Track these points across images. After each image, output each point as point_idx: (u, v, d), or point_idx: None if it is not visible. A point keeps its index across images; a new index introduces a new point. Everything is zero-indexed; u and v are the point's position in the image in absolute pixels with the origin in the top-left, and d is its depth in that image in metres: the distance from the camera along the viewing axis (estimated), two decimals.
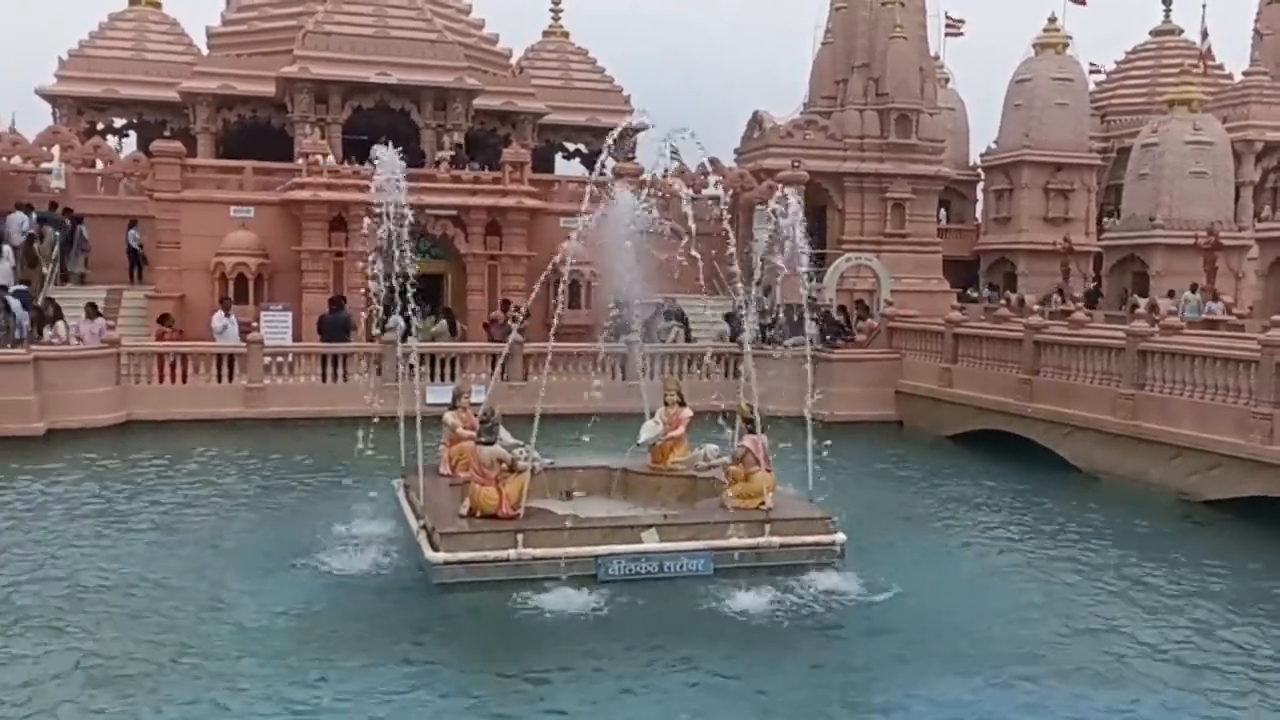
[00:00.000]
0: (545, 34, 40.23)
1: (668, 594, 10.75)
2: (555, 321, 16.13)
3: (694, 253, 20.01)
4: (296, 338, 22.85)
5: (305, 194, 24.27)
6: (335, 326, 22.05)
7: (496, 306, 24.76)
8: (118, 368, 19.44)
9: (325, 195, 24.29)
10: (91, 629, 9.56)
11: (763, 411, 12.75)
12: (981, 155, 43.13)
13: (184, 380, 20.08)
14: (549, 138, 37.57)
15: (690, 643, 9.57)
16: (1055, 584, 11.79)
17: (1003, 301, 32.34)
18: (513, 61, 36.47)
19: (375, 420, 13.29)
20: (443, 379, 20.52)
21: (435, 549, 10.97)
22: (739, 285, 16.51)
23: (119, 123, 35.14)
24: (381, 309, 19.39)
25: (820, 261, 29.33)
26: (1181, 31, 45.64)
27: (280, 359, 20.86)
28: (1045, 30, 40.60)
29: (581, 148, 39.33)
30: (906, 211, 33.29)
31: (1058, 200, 40.12)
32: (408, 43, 29.56)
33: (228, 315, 22.00)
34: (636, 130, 32.38)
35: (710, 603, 10.55)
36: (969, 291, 38.09)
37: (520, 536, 10.95)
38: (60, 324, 19.75)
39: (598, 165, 23.35)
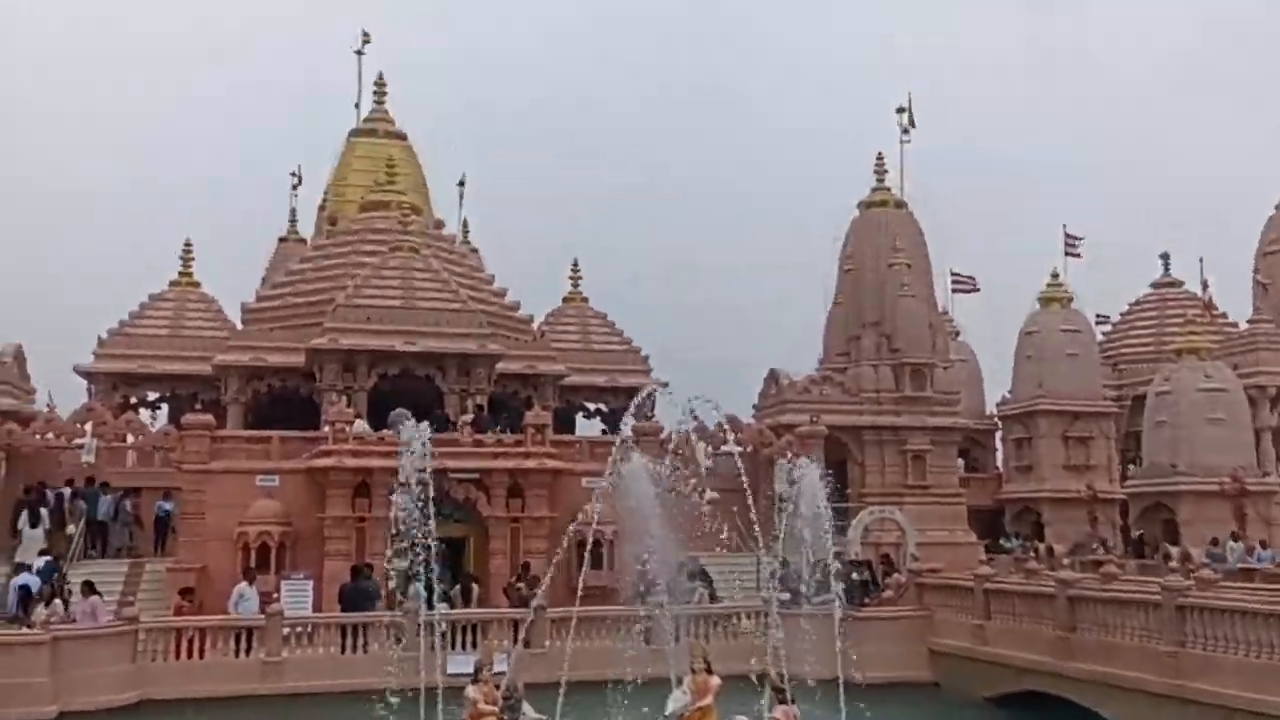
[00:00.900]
0: (565, 299, 41.82)
1: None
2: (579, 584, 15.94)
3: (715, 510, 20.07)
4: (317, 607, 22.57)
5: (330, 461, 24.61)
6: (357, 595, 21.78)
7: (518, 570, 24.54)
8: (134, 645, 19.11)
9: (350, 462, 24.61)
10: None
11: (793, 674, 12.38)
12: (998, 405, 43.57)
13: (201, 655, 19.68)
14: (570, 398, 38.32)
15: None
16: None
17: (1032, 553, 31.82)
18: (534, 326, 37.80)
19: (394, 694, 12.90)
20: (464, 646, 20.06)
21: None
22: (761, 541, 16.45)
23: (152, 396, 36.17)
24: (402, 577, 19.35)
25: (843, 516, 29.18)
26: (1182, 284, 47.07)
27: (300, 629, 20.51)
28: (1049, 285, 41.91)
29: (602, 407, 40.04)
30: (926, 463, 33.41)
31: (1078, 448, 40.14)
32: (433, 312, 30.78)
33: (251, 585, 21.86)
34: (655, 390, 33.11)
35: None
36: (1001, 542, 37.50)
37: None
38: (56, 602, 19.54)
39: (620, 427, 23.81)
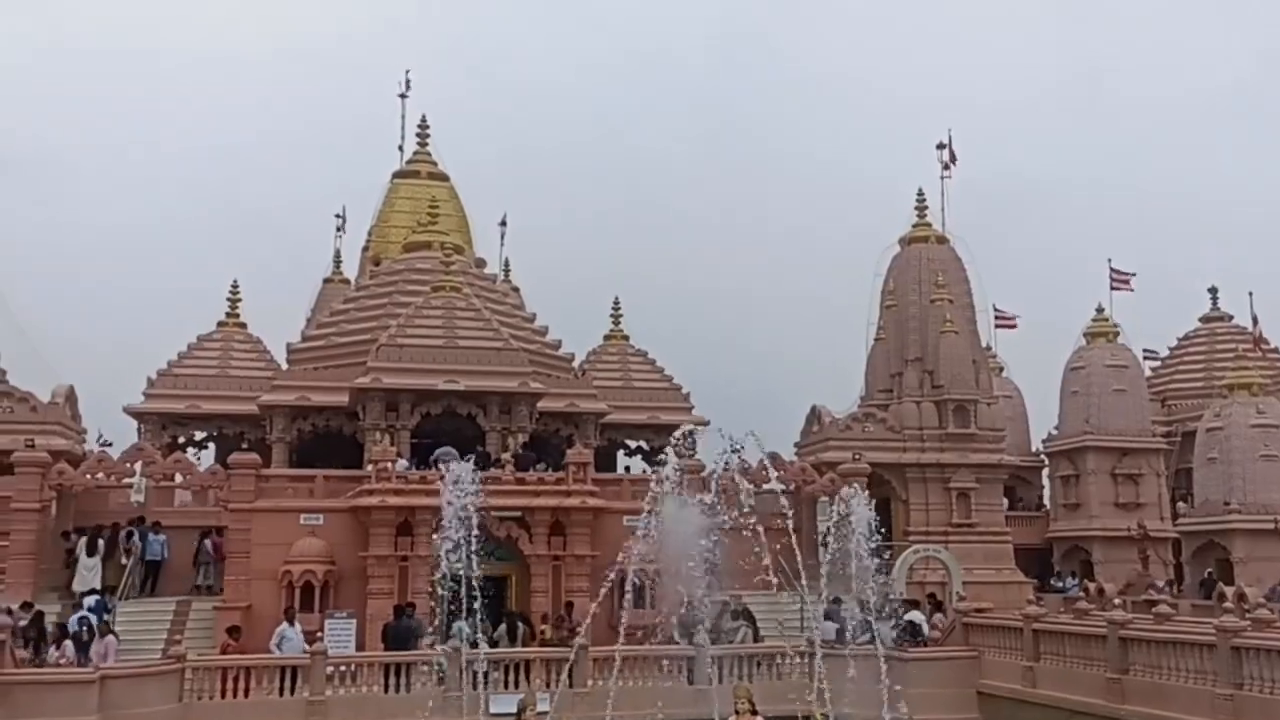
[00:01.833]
0: (606, 337, 41.95)
1: None
2: (621, 623, 15.87)
3: (758, 548, 19.96)
4: (360, 645, 22.62)
5: (373, 500, 24.75)
6: (401, 634, 21.82)
7: (560, 607, 24.49)
8: (181, 684, 19.24)
9: (393, 500, 24.74)
10: None
11: (838, 715, 12.25)
12: (1044, 441, 43.03)
13: (246, 694, 19.76)
14: (611, 436, 38.33)
15: None
16: None
17: (1082, 592, 31.24)
18: (575, 364, 37.93)
19: None
20: (507, 686, 19.99)
21: None
22: (805, 580, 16.30)
23: (199, 435, 36.64)
24: (445, 615, 19.39)
25: (887, 554, 28.87)
26: (1232, 317, 46.37)
27: (343, 668, 20.55)
28: (1095, 319, 41.48)
29: (643, 444, 40.00)
30: (972, 501, 33.04)
31: (1127, 485, 39.48)
32: (475, 351, 30.97)
33: (292, 625, 21.97)
34: (698, 427, 33.07)
35: None
36: (1053, 581, 36.84)
37: None
38: (67, 643, 19.69)
39: (665, 466, 23.76)
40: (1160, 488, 40.07)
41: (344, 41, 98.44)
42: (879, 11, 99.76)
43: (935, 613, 25.22)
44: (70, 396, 29.06)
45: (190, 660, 19.69)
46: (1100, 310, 41.72)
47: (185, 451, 33.56)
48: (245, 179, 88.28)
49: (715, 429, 25.51)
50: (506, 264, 44.29)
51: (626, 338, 41.90)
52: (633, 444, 40.32)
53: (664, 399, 39.41)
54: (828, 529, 24.75)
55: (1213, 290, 47.32)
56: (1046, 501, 43.49)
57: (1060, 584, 36.71)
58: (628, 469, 38.44)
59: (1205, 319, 47.22)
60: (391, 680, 20.54)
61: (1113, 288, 42.67)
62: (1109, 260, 43.12)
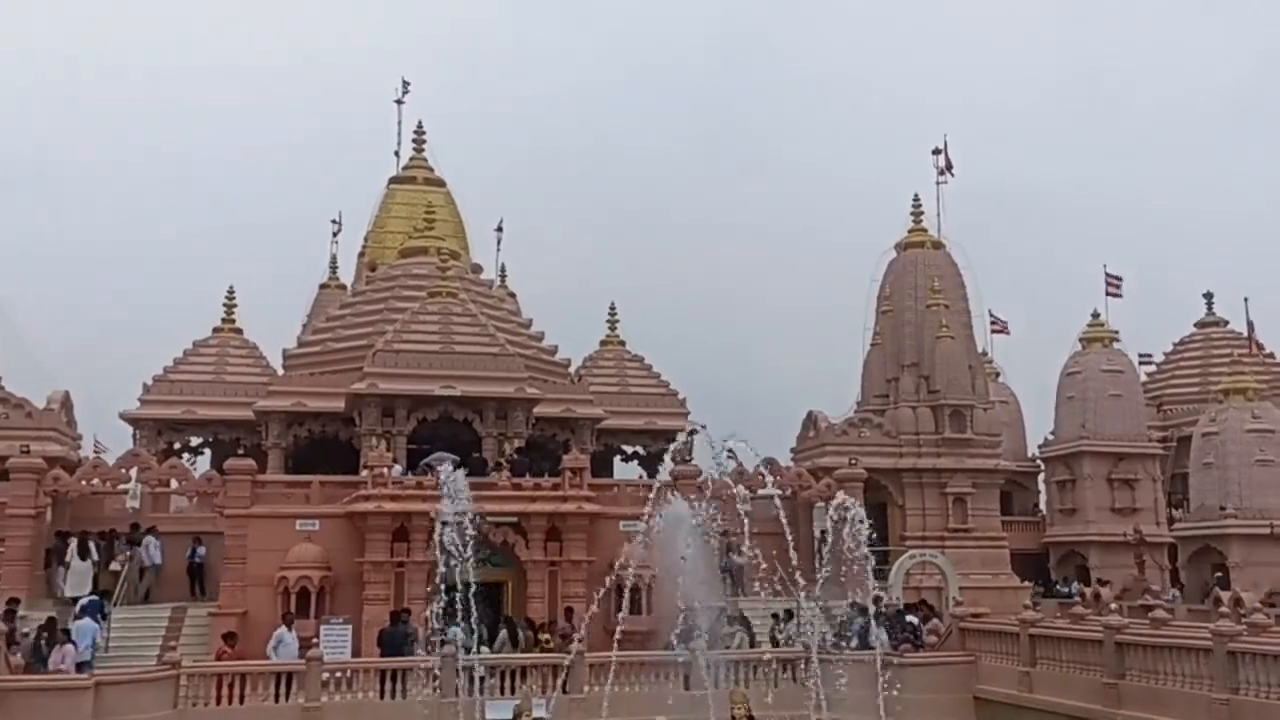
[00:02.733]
0: (603, 343, 41.98)
1: None
2: (618, 628, 15.86)
3: (754, 553, 19.93)
4: (356, 651, 22.58)
5: (369, 505, 24.70)
6: (396, 640, 21.78)
7: (558, 613, 24.47)
8: (176, 691, 19.17)
9: (389, 506, 24.69)
10: None
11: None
12: (1040, 447, 43.08)
13: (241, 701, 19.69)
14: (607, 441, 38.33)
15: None
16: None
17: (1079, 598, 31.25)
18: (571, 370, 37.94)
19: None
20: (503, 691, 19.95)
21: None
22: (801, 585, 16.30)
23: (195, 441, 36.61)
24: (440, 622, 19.34)
25: (883, 559, 28.87)
26: (1227, 323, 46.52)
27: (339, 674, 20.49)
28: (1090, 325, 41.54)
29: (640, 450, 40.01)
30: (968, 506, 33.09)
31: (1123, 490, 39.54)
32: (471, 357, 30.98)
33: (290, 630, 21.93)
34: (691, 434, 33.06)
35: None
36: (1059, 587, 36.76)
37: None
38: (69, 647, 19.62)
39: (658, 470, 23.80)
40: (1156, 493, 40.15)
41: (341, 48, 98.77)
42: (879, 12, 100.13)
43: (931, 618, 25.19)
44: (66, 403, 29.04)
45: (185, 667, 19.63)
46: (1096, 315, 41.81)
47: (181, 457, 33.49)
48: (241, 185, 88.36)
49: (710, 435, 25.47)
50: (503, 269, 44.39)
51: (623, 343, 41.94)
52: (629, 449, 40.33)
53: (660, 404, 39.44)
54: (823, 534, 24.79)
55: (1208, 295, 47.46)
56: (1043, 507, 43.54)
57: (1066, 589, 36.59)
58: (626, 476, 38.41)
59: (1201, 324, 47.33)
60: (387, 686, 20.46)
61: (1108, 293, 42.81)
62: (1104, 265, 43.30)
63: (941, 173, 37.42)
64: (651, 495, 20.90)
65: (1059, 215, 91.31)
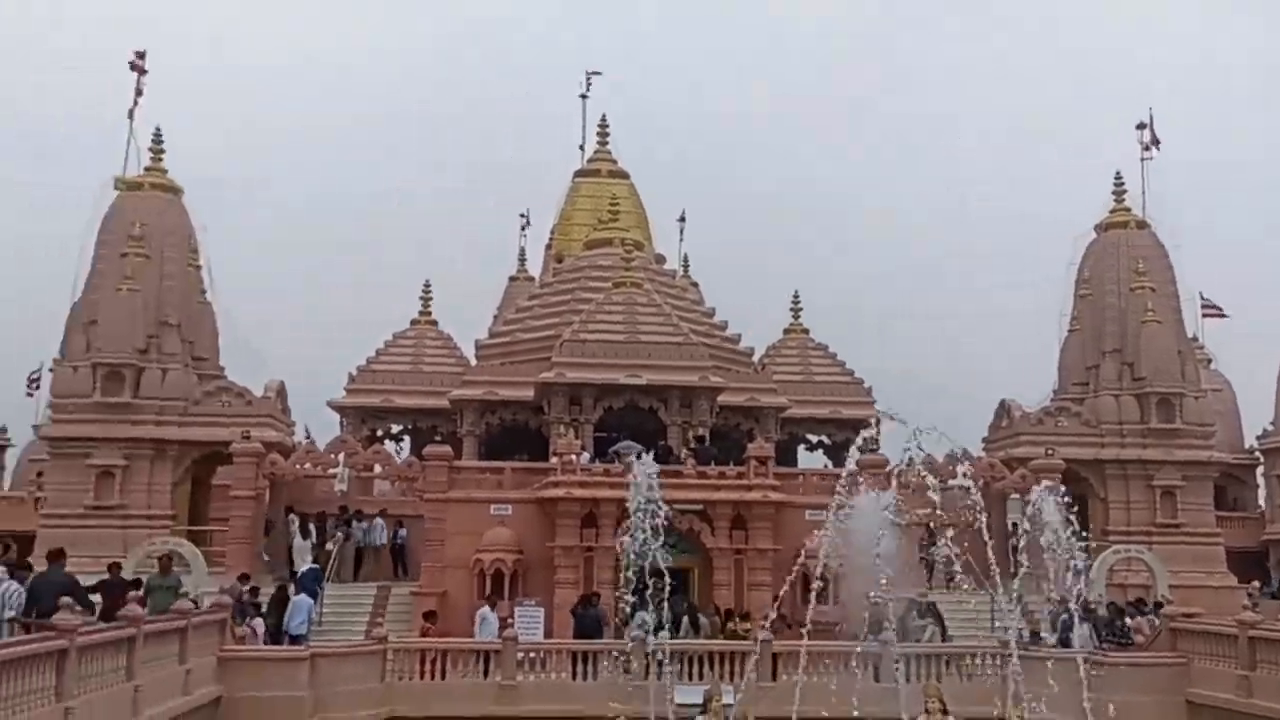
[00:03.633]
0: (786, 331, 41.65)
1: None
2: (806, 618, 15.73)
3: (957, 548, 19.40)
4: (547, 633, 23.23)
5: (559, 491, 25.35)
6: (587, 623, 22.28)
7: (744, 601, 24.49)
8: (383, 664, 20.19)
9: (578, 493, 25.28)
10: None
11: None
12: (1258, 438, 40.30)
13: (442, 676, 20.56)
14: (791, 430, 38.06)
15: None
16: None
17: None
18: (755, 359, 37.82)
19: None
20: (689, 677, 20.11)
21: None
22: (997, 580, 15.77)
23: (395, 429, 38.37)
24: (629, 607, 19.63)
25: (1085, 554, 27.61)
26: None
27: (533, 654, 21.12)
28: None
29: (824, 439, 39.56)
30: (1178, 500, 31.24)
31: None
32: (656, 346, 31.31)
33: (492, 610, 22.81)
34: (878, 423, 32.44)
35: None
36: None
37: None
38: (258, 620, 20.78)
39: (844, 460, 23.48)
40: None
41: (527, 39, 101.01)
42: None
43: (1138, 616, 23.95)
44: (281, 391, 30.90)
45: (391, 642, 20.63)
46: None
47: (383, 444, 35.14)
48: (437, 183, 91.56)
49: (902, 421, 24.80)
50: (685, 259, 44.66)
51: (806, 331, 41.51)
52: (813, 439, 39.92)
53: (845, 393, 38.85)
54: (1014, 526, 23.88)
55: None
56: (1262, 502, 40.70)
57: None
58: (810, 465, 38.05)
59: None
60: (579, 667, 20.98)
61: None
62: None
63: (1147, 148, 35.36)
64: (839, 484, 20.63)
65: (1270, 194, 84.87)
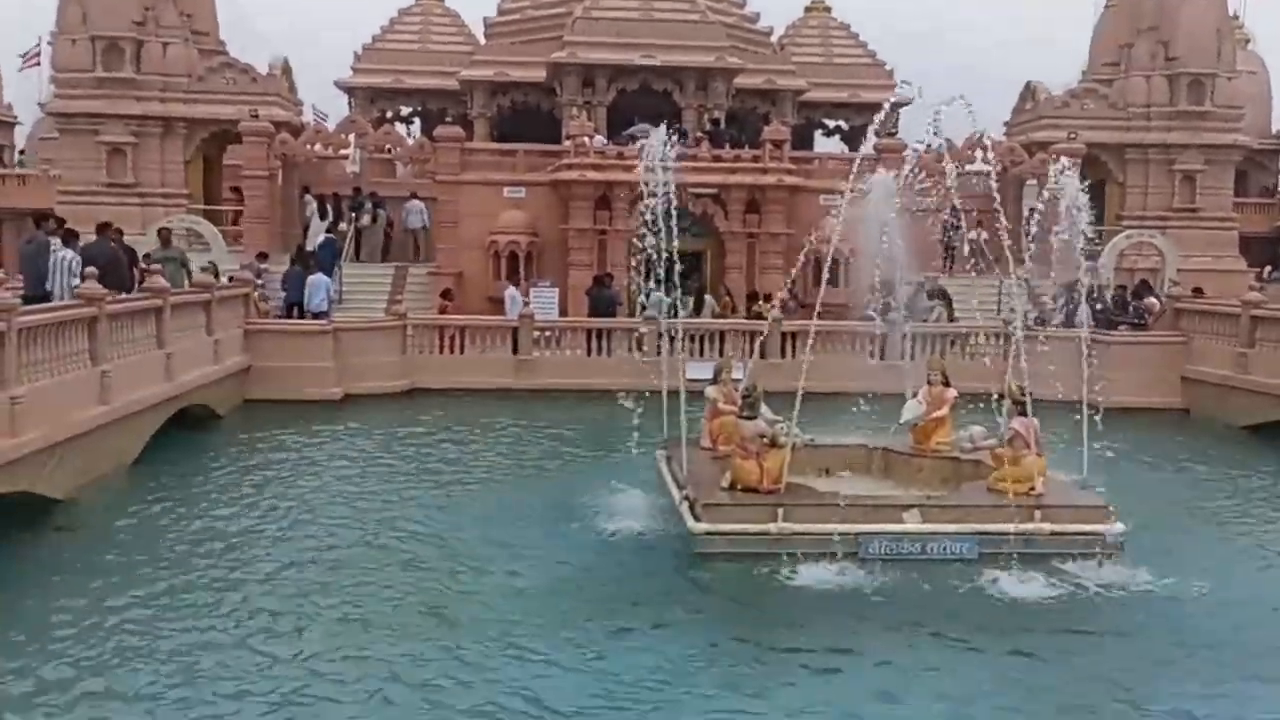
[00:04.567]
0: (807, 10, 39.79)
1: (929, 576, 10.53)
2: (817, 301, 16.01)
3: (976, 233, 19.29)
4: (562, 313, 23.84)
5: (573, 174, 25.19)
6: (600, 302, 22.82)
7: (756, 284, 24.89)
8: (404, 340, 20.91)
9: (591, 175, 25.12)
10: (388, 579, 10.35)
11: (1034, 396, 12.25)
12: None
13: (461, 351, 21.36)
14: (809, 115, 37.21)
15: (952, 628, 9.35)
16: None
17: None
18: (773, 39, 36.37)
19: (639, 393, 13.58)
20: (702, 355, 20.82)
21: (697, 520, 11.21)
22: (1011, 266, 15.84)
23: (405, 110, 37.64)
24: (642, 287, 19.98)
25: (1098, 240, 27.65)
26: None
27: (549, 333, 21.81)
28: None
29: (842, 124, 38.74)
30: (1197, 184, 30.89)
31: None
32: (671, 25, 30.06)
33: (517, 289, 23.32)
34: (900, 105, 31.58)
35: (975, 588, 10.28)
36: None
37: (781, 511, 11.01)
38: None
39: (861, 146, 23.03)
40: None
41: None
42: None
43: (1147, 298, 24.30)
44: (286, 69, 30.09)
45: (411, 319, 21.26)
46: None
47: (393, 125, 34.58)
48: None
49: (920, 105, 24.05)
50: None
51: (829, 9, 39.61)
52: (831, 123, 39.09)
53: (866, 76, 37.56)
54: (1032, 211, 23.74)
55: None
56: None
57: None
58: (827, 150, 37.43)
59: None
60: (593, 344, 21.73)
61: None
62: None
63: None
64: (854, 168, 20.39)
65: None
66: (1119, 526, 11.17)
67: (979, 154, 28.60)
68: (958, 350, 22.13)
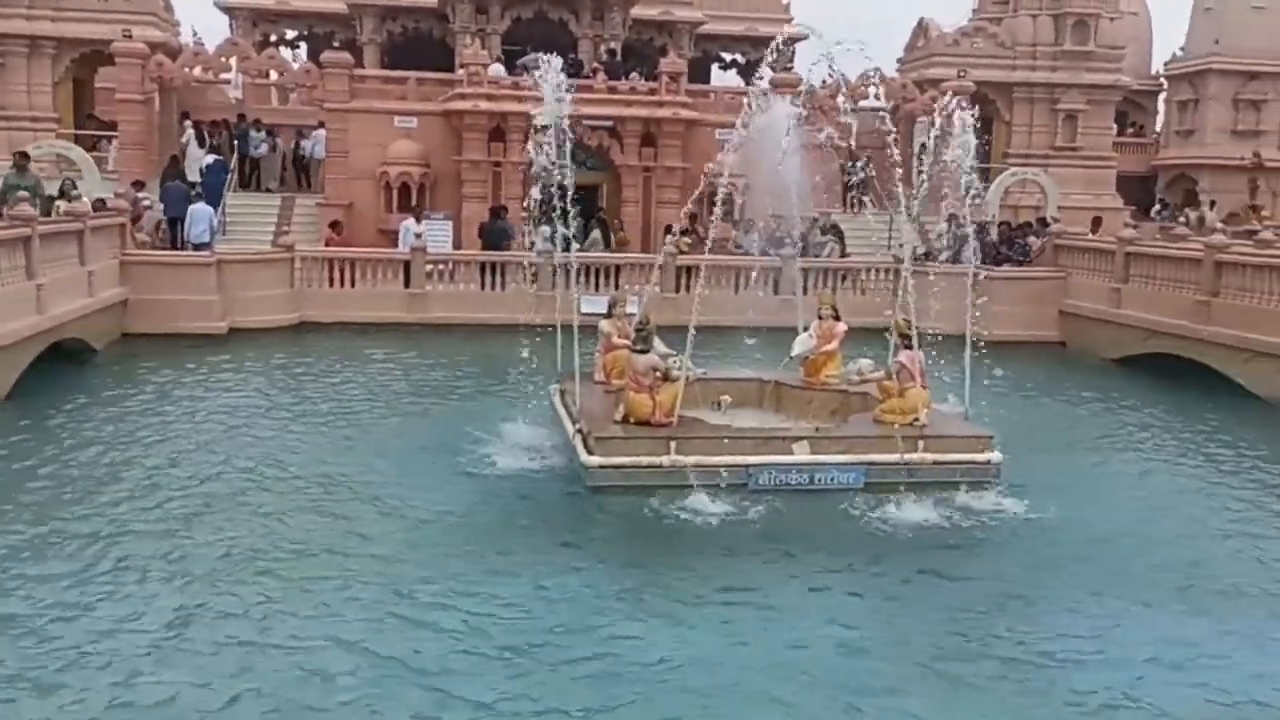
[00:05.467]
0: None
1: (817, 506, 10.81)
2: (710, 235, 16.03)
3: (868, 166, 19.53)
4: (456, 246, 23.46)
5: (465, 105, 24.64)
6: (495, 235, 22.52)
7: (651, 218, 24.83)
8: (292, 272, 20.36)
9: (485, 106, 24.61)
10: (271, 518, 10.16)
11: (920, 329, 12.53)
12: (1165, 64, 40.51)
13: (352, 285, 20.91)
14: (706, 48, 37.02)
15: (840, 554, 9.63)
16: (1226, 511, 11.35)
17: (1181, 220, 30.58)
18: None
19: (532, 327, 13.49)
20: (597, 289, 20.76)
21: (590, 453, 11.26)
22: (902, 202, 16.10)
23: (290, 34, 36.22)
24: (536, 220, 19.77)
25: (985, 177, 28.26)
26: None
27: (441, 266, 21.47)
28: None
29: (739, 58, 38.63)
30: (1079, 124, 31.74)
31: (1248, 112, 37.48)
32: None
33: (417, 222, 22.81)
34: (796, 40, 31.61)
35: (860, 517, 10.57)
36: (1161, 212, 35.68)
37: (673, 444, 11.12)
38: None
39: (755, 76, 23.02)
40: None
41: None
42: None
43: (1029, 235, 24.97)
44: None
45: (300, 250, 20.69)
46: None
47: (277, 49, 33.28)
48: None
49: (816, 40, 24.08)
50: None
51: None
52: (728, 57, 38.95)
53: (763, 9, 37.47)
54: (923, 146, 24.08)
55: None
56: (1159, 128, 41.65)
57: (1166, 213, 35.38)
58: (724, 84, 37.32)
59: None
60: (488, 278, 21.48)
61: None
62: None
63: None
64: (748, 102, 20.39)
65: None
66: (998, 455, 11.59)
67: (872, 90, 29.00)
68: (849, 285, 22.51)
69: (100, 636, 7.63)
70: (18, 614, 7.98)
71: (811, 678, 7.43)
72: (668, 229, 23.67)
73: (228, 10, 34.75)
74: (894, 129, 19.53)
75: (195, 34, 31.85)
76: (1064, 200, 28.19)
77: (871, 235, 24.87)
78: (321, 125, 26.99)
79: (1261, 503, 11.73)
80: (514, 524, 10.21)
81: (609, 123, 25.20)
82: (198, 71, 26.88)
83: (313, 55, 32.34)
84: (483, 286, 21.47)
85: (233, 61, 26.87)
